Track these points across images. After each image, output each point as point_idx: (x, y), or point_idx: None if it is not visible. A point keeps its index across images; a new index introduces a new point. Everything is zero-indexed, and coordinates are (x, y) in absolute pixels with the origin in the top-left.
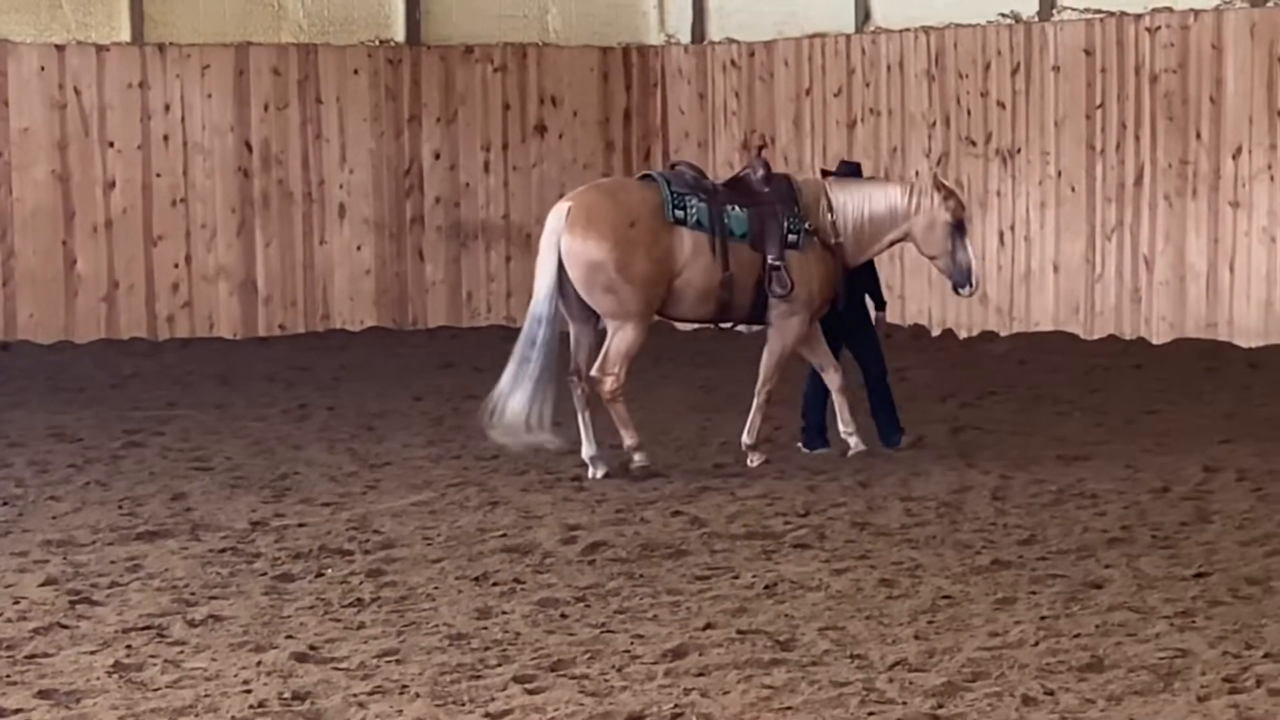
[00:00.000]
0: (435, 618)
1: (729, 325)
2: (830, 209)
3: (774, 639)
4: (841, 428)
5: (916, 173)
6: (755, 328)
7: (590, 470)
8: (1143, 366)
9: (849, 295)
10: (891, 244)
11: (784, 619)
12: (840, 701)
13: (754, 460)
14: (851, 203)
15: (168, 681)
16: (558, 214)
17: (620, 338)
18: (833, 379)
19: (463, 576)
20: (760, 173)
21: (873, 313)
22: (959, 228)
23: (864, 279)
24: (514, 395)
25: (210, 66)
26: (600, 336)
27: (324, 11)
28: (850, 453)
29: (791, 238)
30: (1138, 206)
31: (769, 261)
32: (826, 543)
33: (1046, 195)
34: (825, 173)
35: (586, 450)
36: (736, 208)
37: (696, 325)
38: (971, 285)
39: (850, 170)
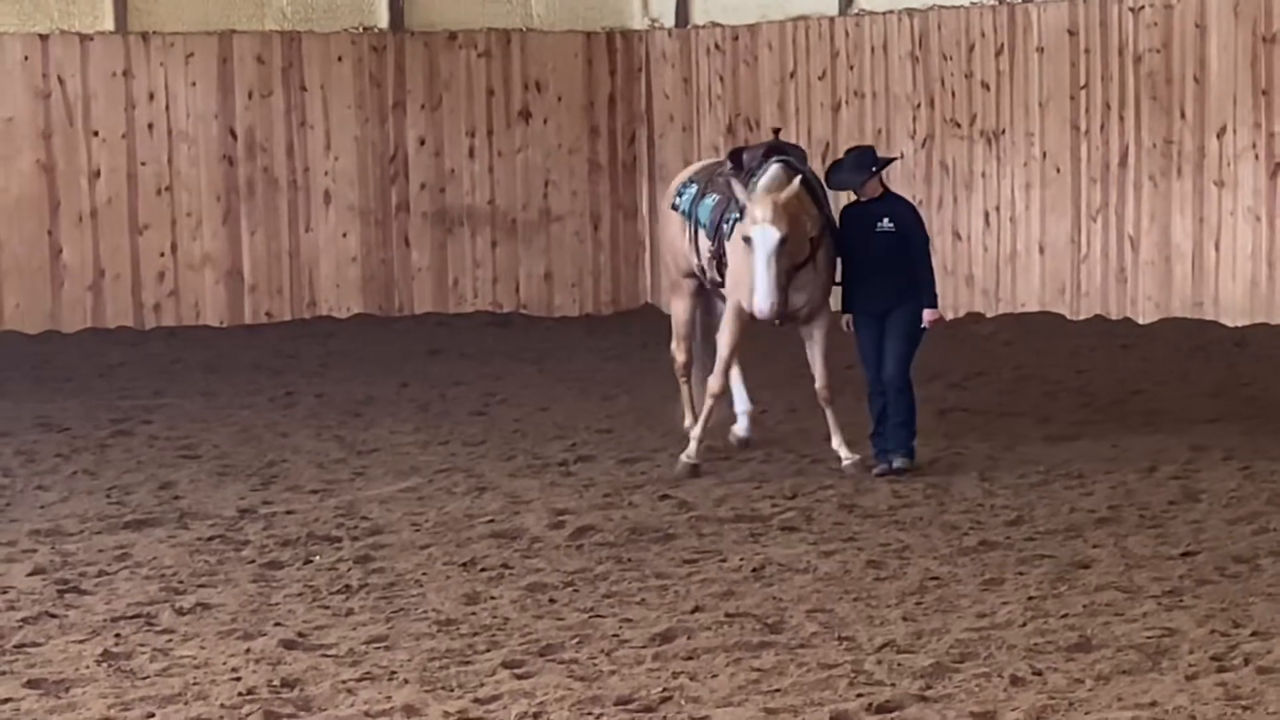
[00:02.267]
0: (423, 604)
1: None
2: None
3: (762, 622)
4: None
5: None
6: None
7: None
8: (1129, 346)
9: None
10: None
11: (772, 602)
12: (829, 683)
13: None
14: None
15: (156, 670)
16: None
17: (671, 312)
18: (713, 383)
19: (451, 562)
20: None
21: (925, 315)
22: (747, 242)
23: (890, 279)
24: None
25: (194, 55)
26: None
27: None
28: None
29: (725, 227)
30: (1123, 187)
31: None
32: (814, 525)
33: (1031, 176)
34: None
35: (738, 405)
36: (714, 195)
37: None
38: (757, 308)
39: (860, 154)
